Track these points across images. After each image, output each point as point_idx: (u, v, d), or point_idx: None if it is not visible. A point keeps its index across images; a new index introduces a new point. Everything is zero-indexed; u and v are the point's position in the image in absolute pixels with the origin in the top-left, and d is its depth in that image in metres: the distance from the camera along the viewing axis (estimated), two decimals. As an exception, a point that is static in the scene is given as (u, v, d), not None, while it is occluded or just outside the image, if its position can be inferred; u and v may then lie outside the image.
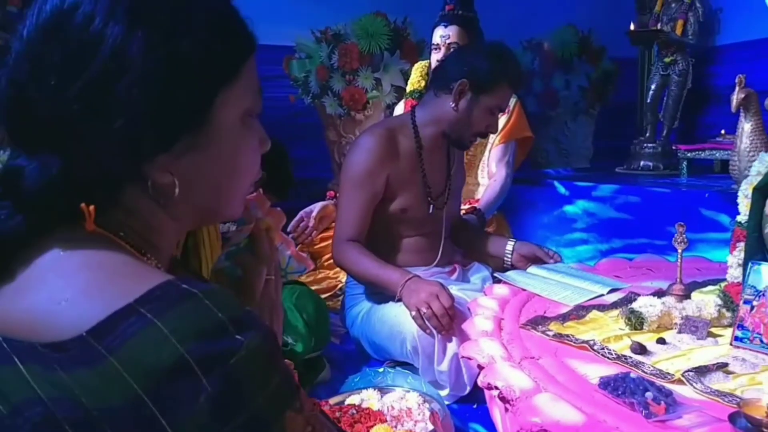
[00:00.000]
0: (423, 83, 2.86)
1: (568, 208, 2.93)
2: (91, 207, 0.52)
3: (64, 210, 0.52)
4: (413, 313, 1.57)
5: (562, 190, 3.01)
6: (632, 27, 3.35)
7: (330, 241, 2.21)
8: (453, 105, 1.80)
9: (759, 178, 1.28)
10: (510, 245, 1.94)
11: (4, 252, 0.51)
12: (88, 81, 0.52)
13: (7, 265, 0.51)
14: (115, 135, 0.53)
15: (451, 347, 1.54)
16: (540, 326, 1.31)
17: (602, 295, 1.55)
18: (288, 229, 2.44)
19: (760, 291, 1.20)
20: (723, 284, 1.42)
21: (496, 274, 1.79)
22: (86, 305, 0.47)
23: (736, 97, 2.35)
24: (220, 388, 0.45)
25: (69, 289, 0.49)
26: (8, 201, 0.52)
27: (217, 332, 0.47)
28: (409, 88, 2.95)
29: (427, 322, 1.55)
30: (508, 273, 1.73)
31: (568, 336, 1.25)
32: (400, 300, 1.64)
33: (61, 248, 0.52)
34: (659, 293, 1.50)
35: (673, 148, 3.32)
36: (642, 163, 3.47)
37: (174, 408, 0.44)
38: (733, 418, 0.87)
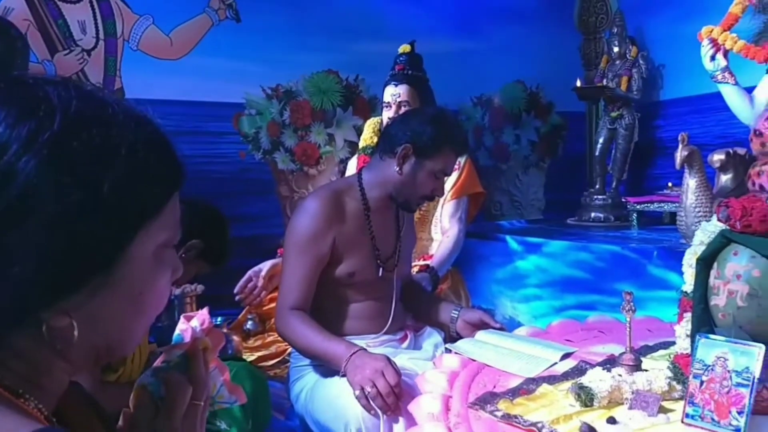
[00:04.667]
0: (375, 139, 2.86)
1: (521, 264, 2.94)
2: None
3: None
4: (357, 392, 1.50)
5: (514, 245, 3.01)
6: (578, 83, 3.44)
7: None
8: (397, 169, 1.79)
9: (702, 247, 1.27)
10: (455, 313, 1.90)
11: None
12: None
13: None
14: (10, 280, 0.47)
15: (398, 429, 1.47)
16: (489, 405, 1.26)
17: (555, 363, 1.52)
18: (236, 290, 2.35)
19: (709, 365, 1.17)
20: (672, 353, 1.40)
21: (447, 346, 1.74)
22: None
23: (680, 155, 2.39)
24: None
25: None
26: None
27: None
28: (361, 144, 2.95)
29: (371, 401, 1.48)
30: (458, 343, 1.68)
31: (516, 417, 1.20)
32: (344, 375, 1.57)
33: None
34: (610, 361, 1.47)
35: (623, 200, 3.38)
36: (593, 214, 3.52)
37: None
38: None
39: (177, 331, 0.67)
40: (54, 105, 0.50)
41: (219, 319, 2.38)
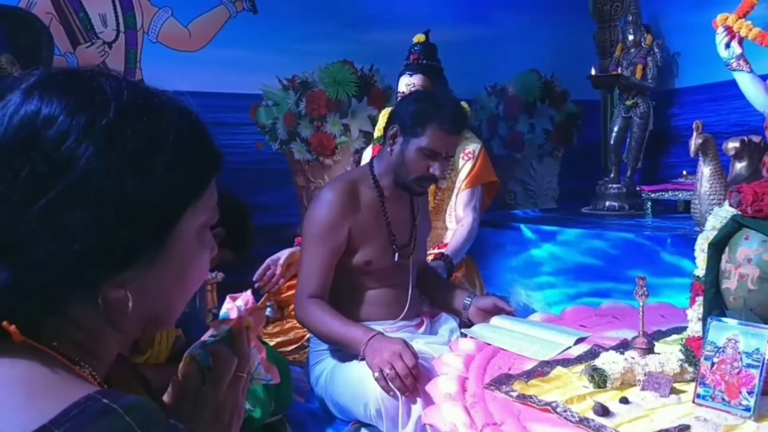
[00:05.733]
0: (391, 129, 2.89)
1: (535, 252, 2.96)
2: (13, 327, 0.50)
3: None
4: (376, 374, 1.54)
5: (528, 233, 3.03)
6: (593, 72, 3.44)
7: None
8: (389, 150, 1.83)
9: (714, 233, 1.29)
10: (468, 300, 1.92)
11: None
12: (52, 200, 0.50)
13: None
14: (72, 255, 0.51)
15: (416, 409, 1.51)
16: (504, 386, 1.29)
17: (569, 347, 1.54)
18: (254, 278, 2.39)
19: (720, 347, 1.20)
20: (685, 336, 1.42)
21: (462, 330, 1.77)
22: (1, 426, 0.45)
23: (694, 142, 2.40)
24: None
25: None
26: None
27: None
28: (376, 134, 2.97)
29: (390, 383, 1.52)
30: (474, 328, 1.71)
31: (531, 397, 1.23)
32: (363, 359, 1.61)
33: None
34: (623, 345, 1.50)
35: (637, 189, 3.38)
36: (608, 203, 3.53)
37: None
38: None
39: (223, 310, 0.72)
40: (108, 95, 0.54)
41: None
